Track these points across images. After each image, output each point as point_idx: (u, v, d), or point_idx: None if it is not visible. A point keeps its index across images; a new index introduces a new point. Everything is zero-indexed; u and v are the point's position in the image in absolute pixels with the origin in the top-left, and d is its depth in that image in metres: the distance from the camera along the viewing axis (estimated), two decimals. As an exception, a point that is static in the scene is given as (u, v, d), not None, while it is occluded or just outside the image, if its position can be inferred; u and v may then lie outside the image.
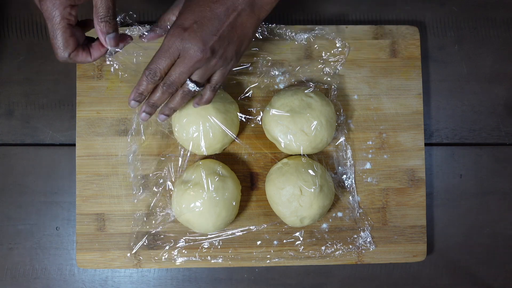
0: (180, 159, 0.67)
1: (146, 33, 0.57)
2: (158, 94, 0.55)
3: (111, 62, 0.59)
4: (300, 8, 0.72)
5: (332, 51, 0.69)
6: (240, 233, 0.68)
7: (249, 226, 0.68)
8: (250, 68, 0.69)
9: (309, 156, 0.68)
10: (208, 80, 0.57)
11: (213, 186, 0.62)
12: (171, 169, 0.67)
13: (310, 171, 0.64)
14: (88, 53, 0.52)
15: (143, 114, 0.57)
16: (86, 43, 0.53)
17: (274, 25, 0.69)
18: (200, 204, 0.62)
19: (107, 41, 0.51)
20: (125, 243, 0.67)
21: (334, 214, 0.68)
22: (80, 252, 0.67)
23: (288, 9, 0.72)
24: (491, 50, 0.73)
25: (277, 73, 0.69)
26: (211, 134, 0.64)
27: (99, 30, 0.50)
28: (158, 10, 0.71)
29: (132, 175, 0.67)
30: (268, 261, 0.68)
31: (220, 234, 0.67)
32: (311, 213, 0.64)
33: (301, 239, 0.68)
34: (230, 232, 0.67)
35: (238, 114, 0.66)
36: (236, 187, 0.65)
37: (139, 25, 0.59)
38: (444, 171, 0.72)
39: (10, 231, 0.69)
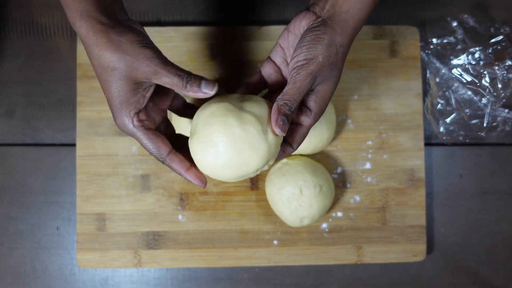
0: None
1: None
2: None
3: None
4: (300, 8, 0.72)
5: None
6: (240, 233, 0.68)
7: (249, 226, 0.68)
8: (250, 68, 0.69)
9: (309, 156, 0.68)
10: None
11: (237, 121, 0.48)
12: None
13: (310, 171, 0.64)
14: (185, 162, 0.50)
15: None
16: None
17: (274, 25, 0.69)
18: (224, 140, 0.48)
19: (203, 87, 0.47)
20: (125, 243, 0.67)
21: (334, 214, 0.68)
22: (81, 252, 0.67)
23: (288, 9, 0.72)
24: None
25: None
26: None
27: (190, 91, 0.47)
28: (158, 10, 0.71)
29: (133, 175, 0.67)
30: (268, 261, 0.68)
31: (220, 234, 0.67)
32: (311, 213, 0.64)
33: (301, 239, 0.68)
34: (230, 232, 0.68)
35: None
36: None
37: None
38: (444, 171, 0.72)
39: (11, 231, 0.69)
